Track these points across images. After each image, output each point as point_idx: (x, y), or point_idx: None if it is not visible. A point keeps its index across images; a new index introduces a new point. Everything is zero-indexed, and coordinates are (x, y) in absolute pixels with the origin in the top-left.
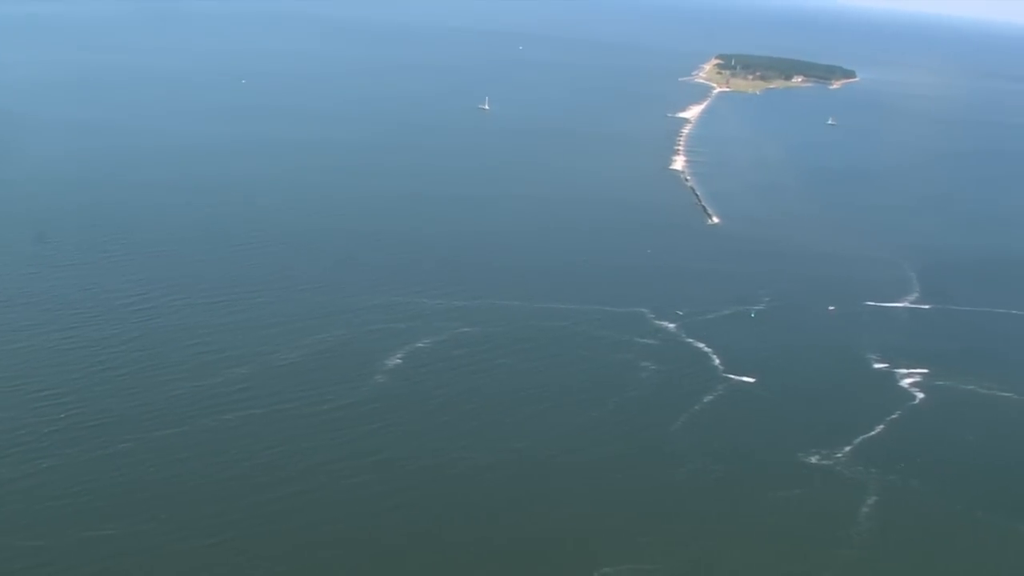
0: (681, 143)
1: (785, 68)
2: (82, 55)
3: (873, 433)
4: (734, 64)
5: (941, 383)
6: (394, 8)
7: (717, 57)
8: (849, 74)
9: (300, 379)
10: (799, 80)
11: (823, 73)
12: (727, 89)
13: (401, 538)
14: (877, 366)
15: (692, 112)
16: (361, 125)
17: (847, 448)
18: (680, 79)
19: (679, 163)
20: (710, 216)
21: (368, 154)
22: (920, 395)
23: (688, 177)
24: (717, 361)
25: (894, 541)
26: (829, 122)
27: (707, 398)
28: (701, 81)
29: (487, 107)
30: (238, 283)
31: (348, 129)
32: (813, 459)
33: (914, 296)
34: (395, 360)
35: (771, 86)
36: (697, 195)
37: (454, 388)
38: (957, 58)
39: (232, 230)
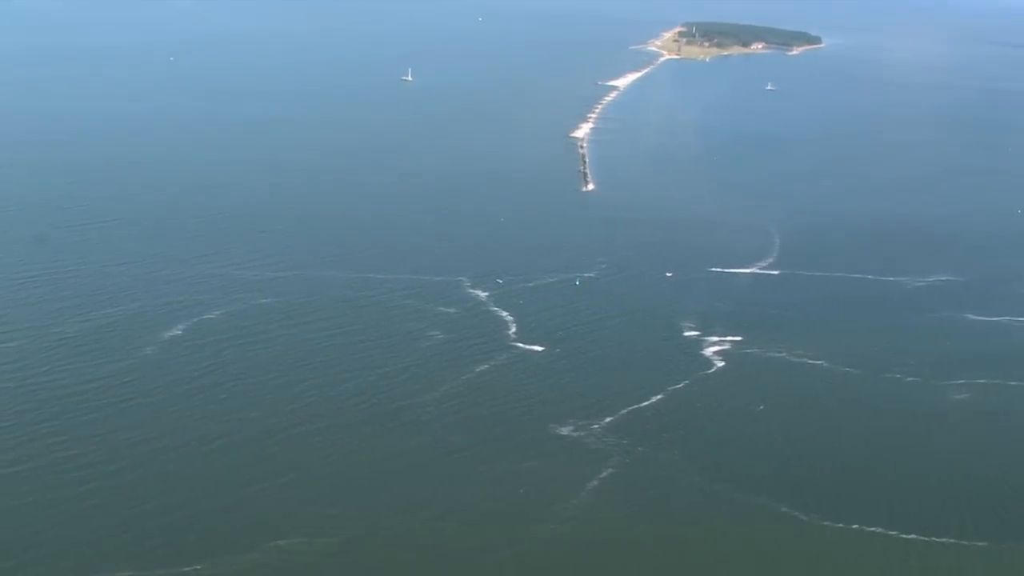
0: (597, 110)
1: (747, 35)
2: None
3: (645, 404)
4: (695, 32)
5: (750, 351)
6: None
7: (682, 25)
8: (814, 40)
9: (67, 352)
10: (759, 47)
11: (785, 39)
12: (676, 56)
13: (93, 514)
14: (688, 334)
15: (625, 80)
16: (274, 99)
17: (608, 419)
18: (631, 47)
19: (583, 130)
20: (586, 183)
21: (268, 128)
22: (720, 363)
23: (584, 144)
24: (513, 330)
25: (607, 517)
26: (768, 88)
27: (481, 367)
28: (653, 49)
29: (409, 78)
30: (56, 260)
31: (260, 104)
32: (564, 430)
33: (767, 262)
34: (174, 332)
35: (726, 53)
36: (585, 162)
37: (219, 360)
38: (952, 25)
39: (76, 208)
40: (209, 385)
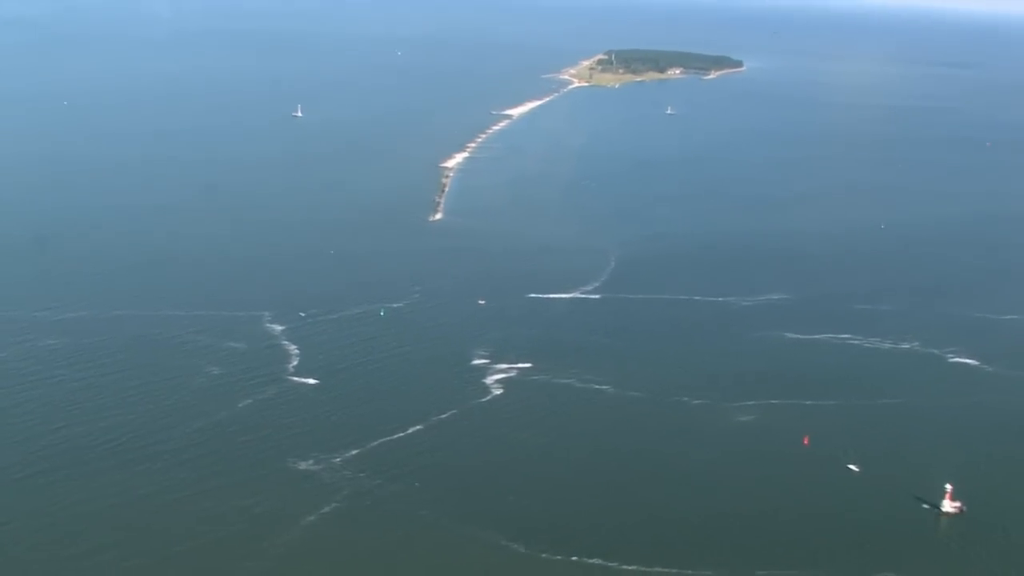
0: (479, 140)
1: (666, 61)
2: None
3: (400, 435)
4: (613, 59)
5: (536, 377)
6: (299, 20)
7: (604, 53)
8: (735, 64)
9: None
10: (676, 72)
11: (704, 64)
12: (586, 84)
13: None
14: (477, 362)
15: (522, 109)
16: (156, 141)
17: (355, 452)
18: (543, 76)
19: (456, 160)
20: (435, 213)
21: (137, 169)
22: (498, 391)
23: (451, 174)
24: (294, 364)
25: (315, 552)
26: (668, 112)
27: (244, 402)
28: (566, 77)
29: (299, 114)
30: None
31: (138, 146)
32: (303, 465)
33: (592, 287)
34: None
35: (639, 79)
36: (443, 192)
37: None
38: (893, 47)
39: None
40: None
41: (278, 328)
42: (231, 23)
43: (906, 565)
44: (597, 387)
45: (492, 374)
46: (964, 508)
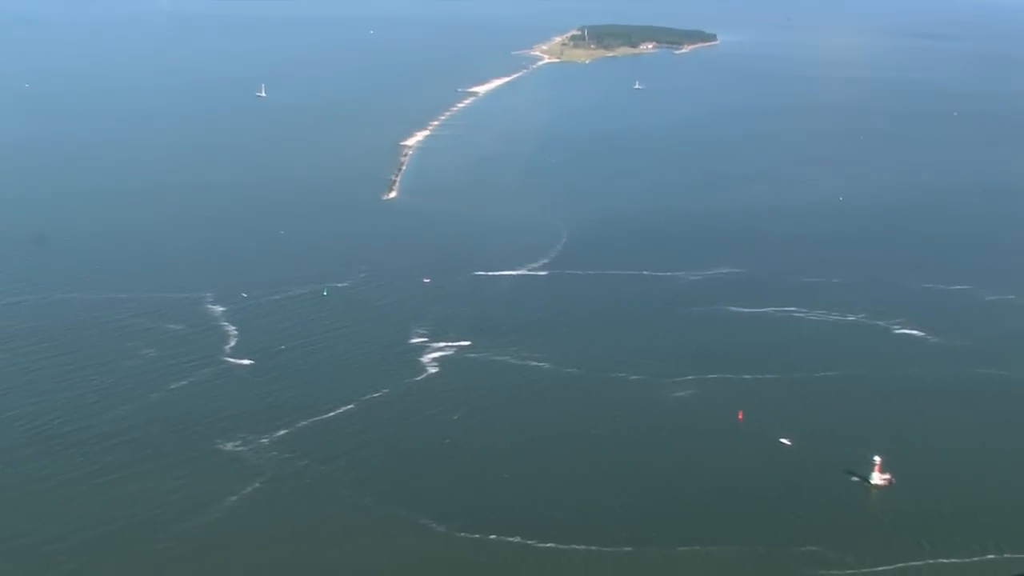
0: (442, 118)
1: (638, 35)
2: None
3: (331, 415)
4: (585, 35)
5: (474, 355)
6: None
7: (577, 29)
8: (709, 38)
9: None
10: (649, 46)
11: (677, 38)
12: (555, 60)
13: None
14: (414, 340)
15: (489, 86)
16: (111, 124)
17: (282, 432)
18: (513, 52)
19: (416, 138)
20: (390, 191)
21: (104, 149)
22: (433, 369)
23: (409, 151)
24: (231, 344)
25: (232, 532)
26: (636, 86)
27: (177, 384)
28: (536, 54)
29: (263, 94)
30: None
31: (91, 128)
32: (229, 446)
33: (540, 263)
34: None
35: (611, 54)
36: (400, 171)
37: None
38: (875, 19)
39: None
40: None
41: (219, 309)
42: (200, 6)
43: (832, 538)
44: (534, 364)
45: (429, 352)
46: (893, 480)
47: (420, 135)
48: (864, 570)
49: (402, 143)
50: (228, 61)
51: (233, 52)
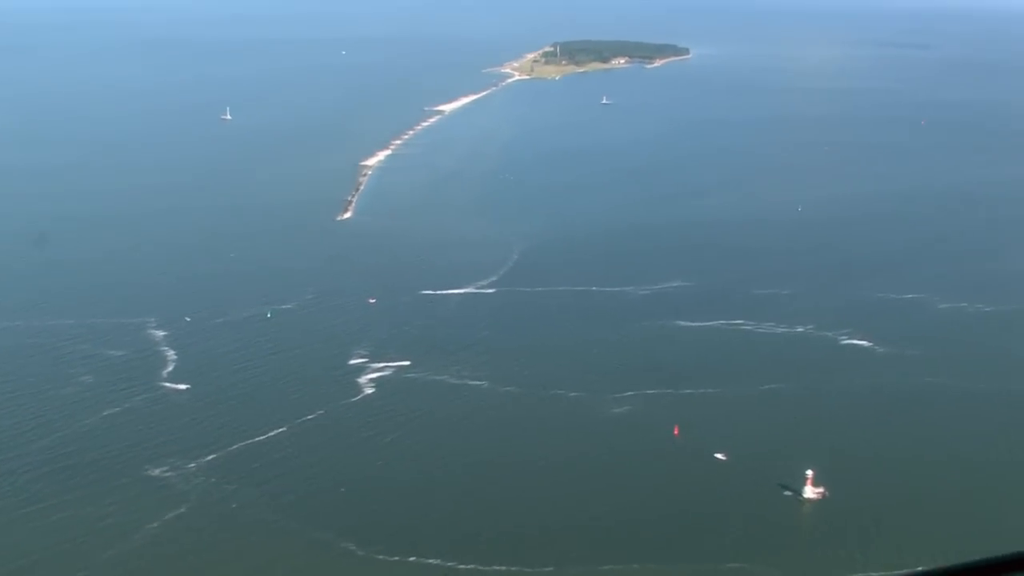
0: (405, 137)
1: (610, 51)
2: None
3: (261, 438)
4: (558, 52)
5: (412, 375)
6: (247, 25)
7: (550, 45)
8: (681, 52)
9: None
10: (621, 61)
11: (649, 53)
12: (525, 77)
13: None
14: (354, 361)
15: (456, 104)
16: (68, 147)
17: (212, 456)
18: (483, 70)
19: (377, 158)
20: (345, 211)
21: (60, 175)
22: (370, 390)
23: (368, 172)
24: (169, 369)
25: (150, 560)
26: (604, 101)
27: (110, 411)
28: (507, 71)
29: (228, 117)
30: None
31: (52, 152)
32: (157, 471)
33: (489, 281)
34: None
35: (582, 70)
36: (357, 191)
37: None
38: (849, 30)
39: None
40: None
41: (160, 334)
42: (177, 30)
43: (762, 554)
44: (473, 383)
45: (367, 373)
46: (826, 493)
47: (381, 155)
48: None
49: (362, 163)
50: (195, 85)
51: (201, 75)
